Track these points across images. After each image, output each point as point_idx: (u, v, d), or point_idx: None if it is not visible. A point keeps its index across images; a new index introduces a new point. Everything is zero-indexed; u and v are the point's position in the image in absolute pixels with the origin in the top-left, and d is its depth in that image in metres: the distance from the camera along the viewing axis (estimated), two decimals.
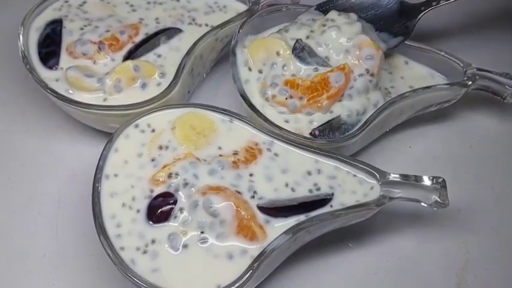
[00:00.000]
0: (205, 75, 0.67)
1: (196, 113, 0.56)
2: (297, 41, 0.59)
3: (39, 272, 0.54)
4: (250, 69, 0.61)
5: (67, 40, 0.61)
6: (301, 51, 0.59)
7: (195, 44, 0.61)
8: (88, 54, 0.59)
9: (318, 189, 0.52)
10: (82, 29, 0.61)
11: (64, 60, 0.60)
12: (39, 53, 0.60)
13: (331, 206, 0.51)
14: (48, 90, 0.57)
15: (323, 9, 0.64)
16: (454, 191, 0.53)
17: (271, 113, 0.58)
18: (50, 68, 0.59)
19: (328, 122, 0.57)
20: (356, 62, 0.58)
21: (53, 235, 0.56)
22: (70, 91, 0.58)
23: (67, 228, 0.57)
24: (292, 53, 0.59)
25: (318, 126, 0.57)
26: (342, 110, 0.57)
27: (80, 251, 0.55)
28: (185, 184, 0.51)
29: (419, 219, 0.58)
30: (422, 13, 0.63)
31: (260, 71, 0.61)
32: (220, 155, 0.54)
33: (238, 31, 0.61)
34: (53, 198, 0.59)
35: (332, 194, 0.52)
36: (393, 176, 0.53)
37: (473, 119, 0.66)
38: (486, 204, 0.60)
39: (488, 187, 0.61)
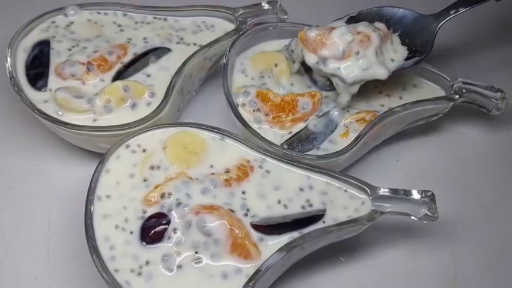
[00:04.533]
0: (194, 93, 0.67)
1: (187, 131, 0.56)
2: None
3: None
4: (246, 76, 0.63)
5: (55, 61, 0.60)
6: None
7: (184, 63, 0.61)
8: (77, 75, 0.59)
9: (311, 205, 0.53)
10: (69, 49, 0.61)
11: (53, 81, 0.59)
12: (27, 75, 0.60)
13: (324, 222, 0.52)
14: (37, 112, 0.57)
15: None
16: (442, 202, 0.54)
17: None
18: (39, 89, 0.59)
19: (296, 134, 0.59)
20: None
21: (44, 257, 0.56)
22: (59, 112, 0.57)
23: (58, 251, 0.56)
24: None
25: (287, 140, 0.58)
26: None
27: (72, 274, 0.55)
28: (179, 204, 0.51)
29: (408, 231, 0.59)
30: (440, 25, 0.61)
31: (252, 78, 0.63)
32: (213, 173, 0.54)
33: (229, 50, 0.62)
34: (44, 220, 0.58)
35: (324, 210, 0.53)
36: (383, 191, 0.53)
37: (459, 131, 0.67)
38: (473, 214, 0.61)
39: (475, 198, 0.62)
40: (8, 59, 0.59)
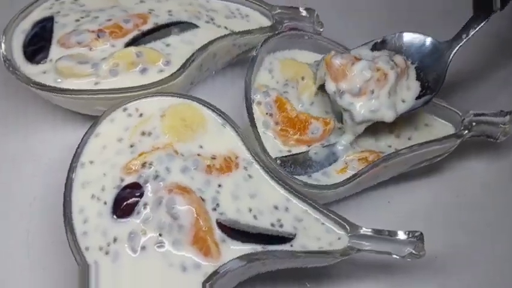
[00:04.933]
0: (214, 72, 0.65)
1: (190, 105, 0.55)
2: None
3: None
4: (272, 77, 0.61)
5: (59, 33, 0.57)
6: None
7: (211, 42, 0.59)
8: (84, 42, 0.56)
9: (281, 226, 0.51)
10: (78, 20, 0.58)
11: (54, 51, 0.56)
12: (25, 52, 0.57)
13: (291, 246, 0.50)
14: (33, 85, 0.54)
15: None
16: (430, 238, 0.51)
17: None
18: (37, 62, 0.56)
19: (293, 155, 0.57)
20: None
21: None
22: (58, 80, 0.55)
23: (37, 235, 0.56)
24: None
25: (282, 157, 0.57)
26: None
27: (49, 260, 0.55)
28: (156, 176, 0.50)
29: (389, 267, 0.56)
30: (453, 53, 0.58)
31: (277, 82, 0.61)
32: (199, 155, 0.53)
33: (261, 45, 0.60)
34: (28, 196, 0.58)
35: (295, 235, 0.51)
36: (365, 230, 0.51)
37: (455, 169, 0.63)
38: (462, 250, 0.58)
39: (464, 234, 0.59)
40: (2, 45, 0.56)
